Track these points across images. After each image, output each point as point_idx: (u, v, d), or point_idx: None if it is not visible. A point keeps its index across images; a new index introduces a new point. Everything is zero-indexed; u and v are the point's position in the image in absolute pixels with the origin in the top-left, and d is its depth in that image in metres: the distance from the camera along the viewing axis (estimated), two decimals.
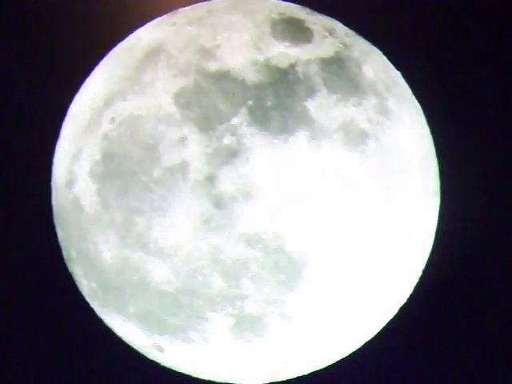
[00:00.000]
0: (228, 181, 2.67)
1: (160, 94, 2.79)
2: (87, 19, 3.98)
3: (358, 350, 3.31)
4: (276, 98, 2.73)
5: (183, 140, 2.71)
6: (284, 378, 3.32)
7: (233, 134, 2.69)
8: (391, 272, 2.97)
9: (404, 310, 3.31)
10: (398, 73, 3.19)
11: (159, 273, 2.77)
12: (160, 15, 3.19)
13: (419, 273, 3.24)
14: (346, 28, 3.14)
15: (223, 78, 2.76)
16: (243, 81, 2.75)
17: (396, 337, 3.61)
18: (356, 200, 2.77)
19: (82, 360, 4.02)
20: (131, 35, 3.16)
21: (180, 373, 3.30)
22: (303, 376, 3.33)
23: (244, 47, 2.83)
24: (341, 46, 2.97)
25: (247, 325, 2.83)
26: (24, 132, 4.00)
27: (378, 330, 3.28)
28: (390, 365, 4.15)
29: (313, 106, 2.76)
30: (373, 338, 3.30)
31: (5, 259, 4.02)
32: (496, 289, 4.12)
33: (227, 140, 2.69)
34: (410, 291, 3.26)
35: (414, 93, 3.21)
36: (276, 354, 2.99)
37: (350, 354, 3.32)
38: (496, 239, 4.10)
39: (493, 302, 4.13)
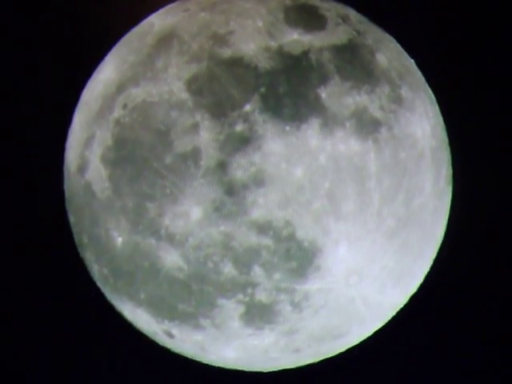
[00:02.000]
0: (240, 168, 2.67)
1: (172, 80, 2.78)
2: (100, 5, 3.97)
3: (368, 338, 3.31)
4: (288, 85, 2.72)
5: (195, 126, 2.70)
6: (294, 366, 3.32)
7: (245, 121, 2.68)
8: (402, 261, 2.96)
9: (414, 300, 3.30)
10: (412, 61, 3.17)
11: (170, 259, 2.78)
12: (173, 1, 3.18)
13: (431, 262, 3.23)
14: (359, 15, 3.12)
15: (236, 64, 2.75)
16: (256, 67, 2.74)
17: (406, 326, 3.61)
18: (368, 188, 2.76)
19: (92, 345, 4.04)
20: (144, 21, 3.16)
21: (190, 359, 3.31)
22: (313, 364, 3.33)
23: (257, 34, 2.82)
24: (354, 33, 2.95)
25: (258, 312, 2.83)
26: (37, 117, 4.00)
27: (389, 319, 3.28)
28: (400, 354, 4.15)
29: (325, 93, 2.74)
30: (383, 327, 3.29)
31: (16, 244, 4.04)
32: (509, 278, 4.11)
33: (239, 127, 2.68)
34: (421, 280, 3.25)
35: (428, 81, 3.20)
36: (286, 342, 3.00)
37: (360, 343, 3.32)
38: (508, 229, 4.09)
39: (506, 290, 4.12)
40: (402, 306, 3.26)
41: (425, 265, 3.19)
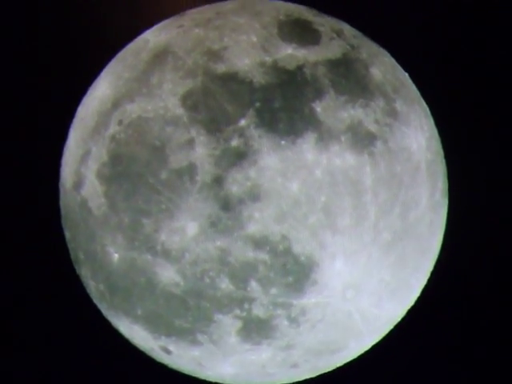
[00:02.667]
0: (236, 183, 2.67)
1: (167, 96, 2.79)
2: (94, 22, 3.98)
3: (365, 352, 3.30)
4: (283, 100, 2.73)
5: (191, 142, 2.71)
6: (292, 381, 3.31)
7: (240, 136, 2.69)
8: (399, 274, 2.96)
9: (412, 313, 3.29)
10: (406, 74, 3.18)
11: (167, 275, 2.77)
12: (167, 17, 3.20)
13: (428, 275, 3.23)
14: (353, 29, 3.13)
15: (231, 79, 2.76)
16: (251, 82, 2.75)
17: (404, 339, 3.60)
18: (364, 202, 2.76)
19: (89, 362, 4.02)
20: (139, 37, 3.17)
21: (187, 375, 3.29)
22: (311, 379, 3.32)
23: (251, 49, 2.82)
24: (348, 47, 2.96)
25: (255, 327, 2.82)
26: (32, 134, 4.00)
27: (386, 333, 3.27)
28: (397, 368, 4.13)
29: (320, 107, 2.75)
30: (380, 341, 3.28)
31: (12, 260, 4.02)
32: (506, 290, 4.11)
33: (235, 142, 2.69)
34: (418, 294, 3.24)
35: (422, 94, 3.21)
36: (283, 357, 2.98)
37: (358, 357, 3.31)
38: (505, 241, 4.09)
39: (501, 303, 4.11)
40: (399, 319, 3.25)
41: (422, 278, 3.18)
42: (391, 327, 3.25)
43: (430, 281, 3.25)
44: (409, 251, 2.94)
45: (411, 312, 3.26)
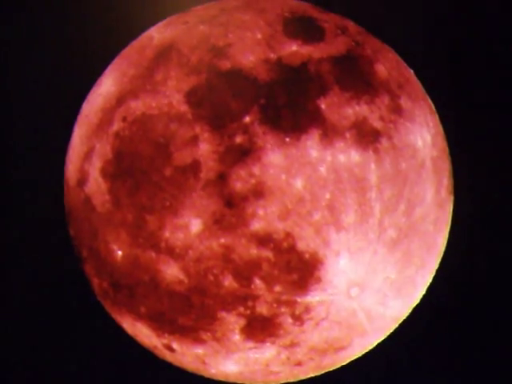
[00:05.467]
0: (239, 180, 2.66)
1: (172, 93, 2.78)
2: (99, 18, 3.99)
3: (369, 351, 3.29)
4: (288, 97, 2.72)
5: (195, 139, 2.70)
6: (296, 379, 3.30)
7: (244, 133, 2.68)
8: (404, 271, 2.95)
9: (416, 311, 3.28)
10: (411, 71, 3.18)
11: (170, 272, 2.77)
12: (172, 14, 3.20)
13: (433, 272, 3.22)
14: (358, 26, 3.13)
15: (235, 76, 2.75)
16: (255, 79, 2.74)
17: (410, 337, 3.59)
18: (369, 199, 2.75)
19: (93, 359, 4.02)
20: (143, 34, 3.17)
21: (191, 373, 3.29)
22: (315, 377, 3.31)
23: (256, 46, 2.82)
24: (353, 43, 2.95)
25: (258, 325, 2.82)
26: (36, 131, 4.01)
27: (391, 332, 3.26)
28: (401, 366, 4.13)
29: (325, 104, 2.74)
30: (385, 340, 3.27)
31: (16, 258, 4.03)
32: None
33: (239, 138, 2.68)
34: (423, 292, 3.23)
35: (427, 91, 3.20)
36: (287, 355, 2.98)
37: (363, 355, 3.30)
38: (510, 238, 4.08)
39: (507, 303, 4.10)
40: (404, 317, 3.23)
41: (427, 275, 3.17)
42: (396, 325, 3.23)
43: (435, 278, 3.24)
44: (414, 248, 2.93)
45: (416, 310, 3.25)
